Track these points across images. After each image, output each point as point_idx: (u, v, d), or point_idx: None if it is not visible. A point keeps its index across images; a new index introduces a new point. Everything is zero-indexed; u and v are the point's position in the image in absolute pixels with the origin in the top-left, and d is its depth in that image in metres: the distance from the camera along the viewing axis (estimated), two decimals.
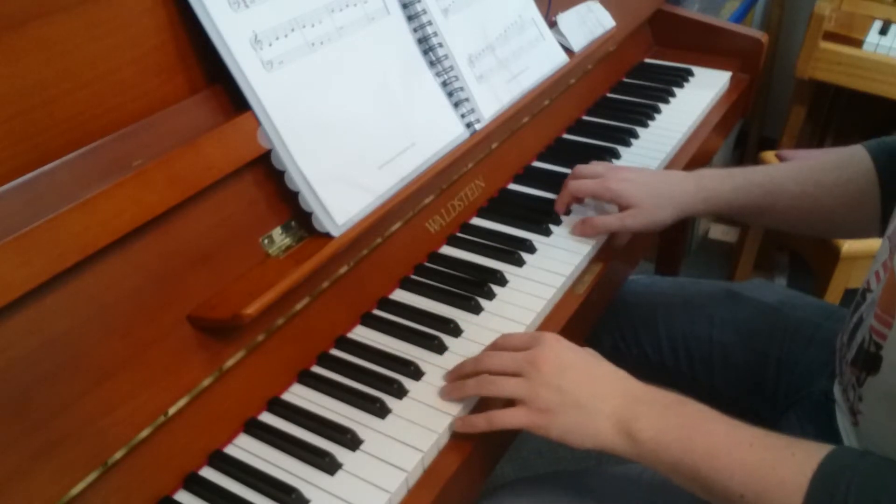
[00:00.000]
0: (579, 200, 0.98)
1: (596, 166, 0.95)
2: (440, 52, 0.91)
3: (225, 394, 0.69)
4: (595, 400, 0.65)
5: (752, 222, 0.90)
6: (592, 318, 0.99)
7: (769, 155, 1.67)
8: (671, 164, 1.14)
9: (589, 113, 1.25)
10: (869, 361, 0.68)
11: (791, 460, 0.57)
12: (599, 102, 1.28)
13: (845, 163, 0.84)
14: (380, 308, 0.84)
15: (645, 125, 1.21)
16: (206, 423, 0.67)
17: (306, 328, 0.76)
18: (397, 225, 0.87)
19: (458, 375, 0.71)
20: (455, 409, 0.70)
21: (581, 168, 0.96)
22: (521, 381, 0.66)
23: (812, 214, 0.87)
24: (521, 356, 0.68)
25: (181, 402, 0.65)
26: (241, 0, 0.72)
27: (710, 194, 0.89)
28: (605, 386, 0.66)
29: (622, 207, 0.91)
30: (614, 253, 0.95)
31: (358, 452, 0.67)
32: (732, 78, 1.36)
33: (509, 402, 0.67)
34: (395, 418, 0.70)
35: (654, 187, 0.90)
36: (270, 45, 0.73)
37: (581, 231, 0.93)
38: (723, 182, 0.89)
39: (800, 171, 0.87)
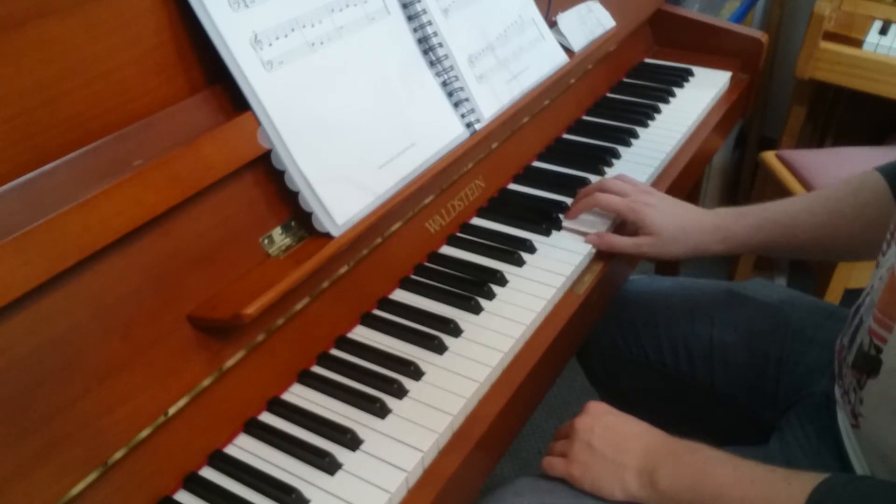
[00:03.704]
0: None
1: (624, 184, 0.95)
2: (440, 52, 0.91)
3: (225, 394, 0.69)
4: (622, 455, 0.72)
5: (770, 255, 0.91)
6: (592, 318, 0.99)
7: (769, 155, 1.67)
8: (671, 164, 1.14)
9: (589, 113, 1.25)
10: (868, 364, 0.68)
11: (787, 491, 0.62)
12: (599, 102, 1.28)
13: (859, 189, 0.84)
14: (380, 308, 0.84)
15: (645, 125, 1.21)
16: (206, 423, 0.67)
17: (306, 328, 0.76)
18: (397, 225, 0.87)
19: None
20: (455, 409, 0.70)
21: (608, 182, 0.97)
22: (565, 441, 0.77)
23: (831, 243, 0.87)
24: (569, 422, 0.78)
25: (181, 402, 0.65)
26: (241, 0, 0.72)
27: (728, 234, 0.90)
28: (631, 442, 0.73)
29: (641, 231, 0.92)
30: (614, 254, 0.95)
31: (358, 452, 0.67)
32: (732, 78, 1.36)
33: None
34: (395, 418, 0.70)
35: (675, 219, 0.91)
36: (270, 45, 0.73)
37: (595, 243, 0.93)
38: (739, 221, 0.89)
39: (814, 203, 0.87)
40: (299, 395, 0.74)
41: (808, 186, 1.53)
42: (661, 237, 0.90)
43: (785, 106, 2.02)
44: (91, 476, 0.59)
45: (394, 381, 0.73)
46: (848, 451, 0.75)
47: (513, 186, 1.06)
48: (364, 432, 0.69)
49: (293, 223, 0.77)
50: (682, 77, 1.34)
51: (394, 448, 0.67)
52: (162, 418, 0.64)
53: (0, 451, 0.54)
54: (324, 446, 0.67)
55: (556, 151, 1.15)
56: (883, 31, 1.73)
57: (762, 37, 1.38)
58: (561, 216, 0.98)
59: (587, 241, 0.94)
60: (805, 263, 1.69)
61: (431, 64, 0.91)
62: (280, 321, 0.73)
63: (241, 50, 0.71)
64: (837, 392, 0.78)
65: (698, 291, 1.02)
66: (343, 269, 0.80)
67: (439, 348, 0.77)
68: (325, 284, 0.78)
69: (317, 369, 0.76)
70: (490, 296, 0.85)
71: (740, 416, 0.96)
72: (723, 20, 1.50)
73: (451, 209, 0.95)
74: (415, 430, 0.69)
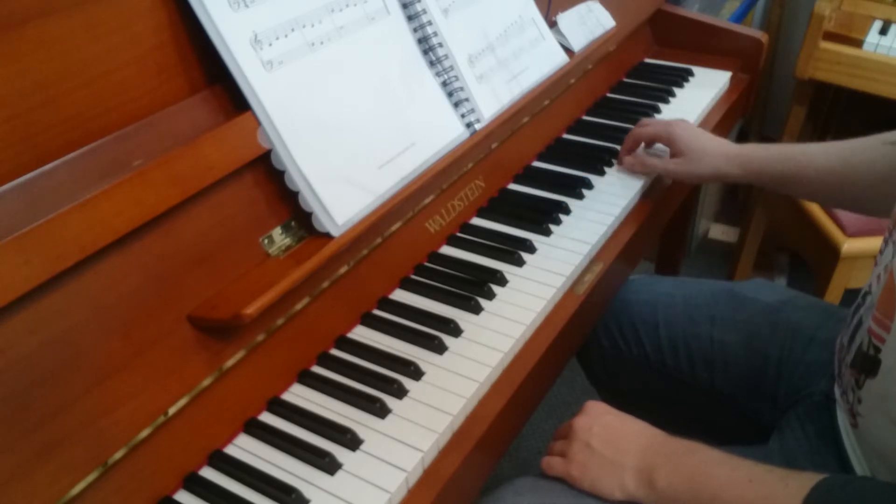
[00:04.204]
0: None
1: (659, 118, 1.11)
2: (440, 52, 0.91)
3: (225, 394, 0.69)
4: (620, 455, 0.72)
5: (789, 193, 0.99)
6: (592, 318, 0.99)
7: None
8: None
9: (589, 113, 1.25)
10: (867, 364, 0.68)
11: (785, 491, 0.62)
12: (599, 102, 1.28)
13: (875, 144, 0.86)
14: (380, 308, 0.84)
15: None
16: (206, 422, 0.67)
17: (306, 328, 0.76)
18: (397, 225, 0.87)
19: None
20: (455, 409, 0.70)
21: (645, 119, 1.11)
22: (564, 441, 0.77)
23: (840, 191, 0.90)
24: (568, 422, 0.78)
25: (181, 402, 0.65)
26: (241, 0, 0.72)
27: (746, 161, 0.97)
28: (630, 442, 0.73)
29: (672, 151, 1.03)
30: (614, 253, 0.95)
31: (358, 452, 0.67)
32: (732, 78, 1.36)
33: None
34: (395, 418, 0.70)
35: (701, 142, 1.00)
36: (270, 45, 0.73)
37: (630, 163, 1.07)
38: (758, 151, 0.97)
39: (832, 148, 0.91)
40: (299, 395, 0.74)
41: None
42: (687, 157, 1.00)
43: (785, 106, 2.02)
44: (91, 476, 0.59)
45: (394, 381, 0.73)
46: (847, 451, 0.75)
47: (513, 186, 1.06)
48: (364, 432, 0.69)
49: (293, 223, 0.77)
50: (682, 77, 1.34)
51: (394, 448, 0.67)
52: (162, 418, 0.64)
53: (0, 451, 0.54)
54: (324, 446, 0.67)
55: (556, 151, 1.15)
56: (883, 31, 1.72)
57: (762, 37, 1.38)
58: (561, 218, 0.98)
59: (624, 164, 1.07)
60: (805, 263, 1.69)
61: (431, 64, 0.91)
62: (280, 321, 0.73)
63: (241, 50, 0.71)
64: (837, 392, 0.78)
65: (698, 291, 1.03)
66: (343, 269, 0.80)
67: (439, 348, 0.77)
68: (325, 284, 0.78)
69: (317, 369, 0.76)
70: (490, 296, 0.85)
71: (740, 416, 0.96)
72: (723, 20, 1.50)
73: (451, 209, 0.95)
74: (415, 430, 0.69)
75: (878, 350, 0.67)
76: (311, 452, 0.67)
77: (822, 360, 0.87)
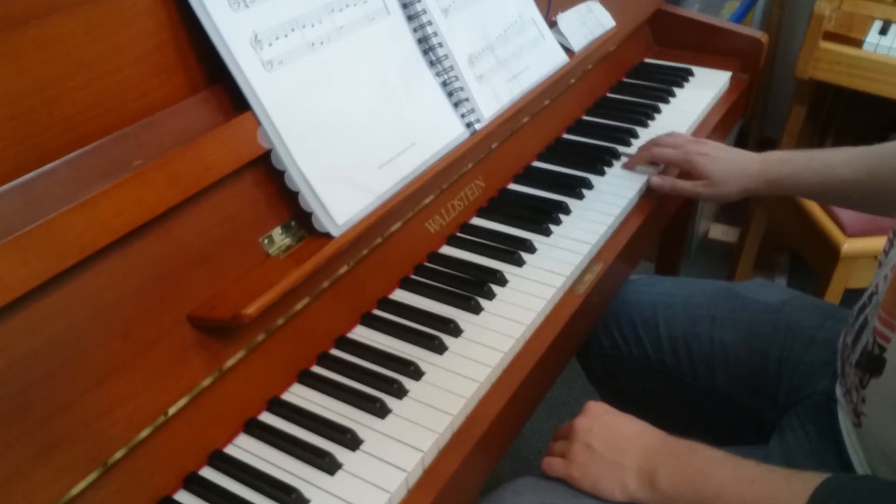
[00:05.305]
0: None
1: (676, 138, 1.06)
2: (440, 52, 0.91)
3: (225, 394, 0.69)
4: (621, 455, 0.72)
5: (818, 201, 0.99)
6: (592, 318, 0.99)
7: None
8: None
9: (589, 113, 1.25)
10: (872, 363, 0.68)
11: (788, 491, 0.62)
12: (599, 102, 1.28)
13: None
14: (380, 308, 0.84)
15: (645, 125, 1.21)
16: (206, 423, 0.67)
17: (306, 328, 0.76)
18: (397, 225, 0.87)
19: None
20: (455, 409, 0.70)
21: (662, 138, 1.07)
22: (564, 442, 0.77)
23: (867, 198, 0.91)
24: (568, 423, 0.78)
25: (181, 402, 0.65)
26: (241, 0, 0.72)
27: (771, 177, 0.97)
28: (630, 442, 0.73)
29: (695, 177, 1.02)
30: (614, 253, 0.95)
31: (358, 452, 0.67)
32: (732, 78, 1.36)
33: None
34: (395, 418, 0.70)
35: (724, 165, 1.00)
36: (270, 45, 0.73)
37: (659, 184, 1.04)
38: (782, 167, 0.97)
39: (856, 157, 0.91)
40: (299, 395, 0.74)
41: None
42: (712, 181, 1.00)
43: (785, 106, 2.02)
44: (91, 476, 0.59)
45: (394, 381, 0.73)
46: (848, 451, 0.75)
47: (513, 186, 1.06)
48: (364, 432, 0.69)
49: (293, 223, 0.77)
50: (682, 77, 1.34)
51: (394, 448, 0.67)
52: (162, 418, 0.64)
53: (0, 451, 0.54)
54: (324, 446, 0.67)
55: (556, 151, 1.15)
56: (883, 31, 1.72)
57: (762, 37, 1.38)
58: (561, 218, 0.98)
59: (652, 184, 1.05)
60: (805, 263, 1.69)
61: (431, 64, 0.91)
62: (280, 321, 0.73)
63: (241, 50, 0.71)
64: (839, 391, 0.78)
65: (698, 291, 1.03)
66: (343, 269, 0.80)
67: (439, 348, 0.77)
68: (325, 284, 0.78)
69: (317, 369, 0.76)
70: (490, 296, 0.84)
71: (740, 416, 0.96)
72: (723, 20, 1.50)
73: (451, 209, 0.95)
74: (415, 430, 0.69)
75: (882, 349, 0.67)
76: (311, 452, 0.67)
77: (822, 359, 0.87)
